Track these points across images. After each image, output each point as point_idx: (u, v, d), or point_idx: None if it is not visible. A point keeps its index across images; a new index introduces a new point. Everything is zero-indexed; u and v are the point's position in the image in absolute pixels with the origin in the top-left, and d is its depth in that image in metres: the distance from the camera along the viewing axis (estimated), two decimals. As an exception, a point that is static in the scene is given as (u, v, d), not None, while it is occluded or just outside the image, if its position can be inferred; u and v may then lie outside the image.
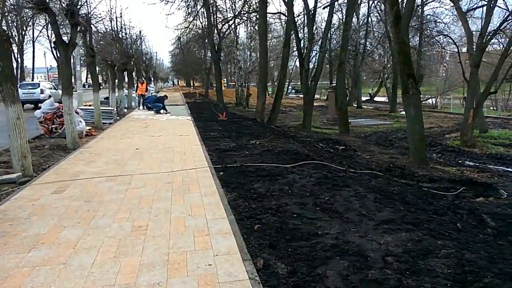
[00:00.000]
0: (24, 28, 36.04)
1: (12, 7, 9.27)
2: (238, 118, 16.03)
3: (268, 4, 16.50)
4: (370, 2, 34.09)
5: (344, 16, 15.39)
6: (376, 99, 51.96)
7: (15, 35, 36.92)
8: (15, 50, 37.80)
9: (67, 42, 8.77)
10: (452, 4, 19.31)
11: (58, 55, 8.58)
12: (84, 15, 11.07)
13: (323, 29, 21.65)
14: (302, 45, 20.28)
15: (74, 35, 8.85)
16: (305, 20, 28.23)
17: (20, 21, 34.97)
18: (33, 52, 39.34)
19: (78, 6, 8.72)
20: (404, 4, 13.77)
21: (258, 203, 4.54)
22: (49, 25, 8.59)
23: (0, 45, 5.70)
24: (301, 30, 24.73)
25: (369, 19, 36.58)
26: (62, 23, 10.60)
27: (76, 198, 4.80)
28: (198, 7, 27.60)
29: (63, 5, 8.49)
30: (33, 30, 33.07)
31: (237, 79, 37.06)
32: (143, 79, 22.60)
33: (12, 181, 5.83)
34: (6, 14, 23.67)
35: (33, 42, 37.43)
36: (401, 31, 10.45)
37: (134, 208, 4.39)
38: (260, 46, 16.43)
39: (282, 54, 17.80)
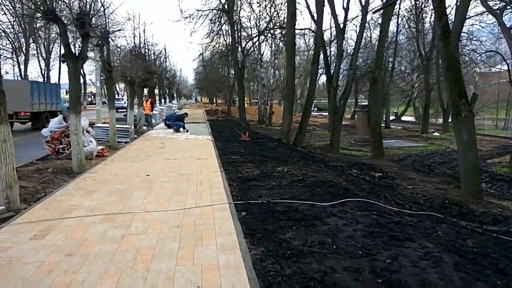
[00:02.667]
0: (51, 45, 36.46)
1: (21, 16, 8.51)
2: (261, 138, 14.92)
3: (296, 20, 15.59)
4: (399, 19, 32.84)
5: (379, 32, 14.23)
6: (402, 118, 50.03)
7: (43, 52, 37.49)
8: (43, 66, 38.32)
9: (76, 55, 7.95)
10: (492, 20, 17.89)
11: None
12: (101, 28, 10.34)
13: (351, 46, 20.53)
14: (330, 62, 19.19)
15: (84, 47, 8.01)
16: (333, 36, 27.30)
17: (47, 37, 35.45)
18: (59, 68, 39.70)
19: (90, 16, 7.89)
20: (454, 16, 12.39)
21: (293, 267, 3.32)
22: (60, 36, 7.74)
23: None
24: (328, 47, 23.64)
25: (398, 37, 35.20)
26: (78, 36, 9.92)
27: (57, 249, 3.72)
28: (221, 25, 27.17)
29: (73, 14, 7.68)
30: (60, 46, 33.31)
31: (260, 96, 36.18)
32: (147, 96, 21.29)
33: (-8, 217, 4.84)
34: (14, 23, 23.75)
35: (60, 58, 37.79)
36: (450, 45, 9.18)
37: (125, 270, 3.25)
38: (287, 63, 15.41)
39: (311, 71, 16.71)
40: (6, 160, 5.05)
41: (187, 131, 16.49)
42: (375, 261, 3.43)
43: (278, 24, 26.38)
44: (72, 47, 8.65)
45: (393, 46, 34.99)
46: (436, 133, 27.42)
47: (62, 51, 8.37)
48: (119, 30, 10.62)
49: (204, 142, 13.06)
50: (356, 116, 38.66)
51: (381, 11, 15.36)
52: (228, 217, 4.71)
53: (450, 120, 33.05)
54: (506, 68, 25.78)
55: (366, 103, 24.05)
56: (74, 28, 8.04)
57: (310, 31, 18.52)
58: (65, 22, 7.72)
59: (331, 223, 4.46)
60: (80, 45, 8.35)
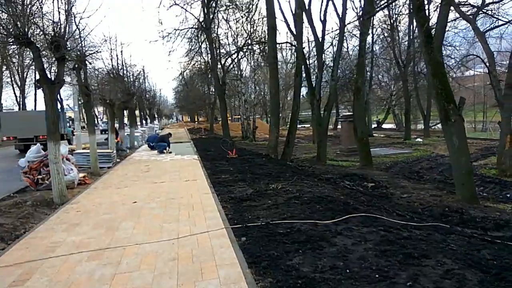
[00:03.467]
0: (26, 71, 35.53)
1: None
2: (249, 154, 14.63)
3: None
4: (374, 30, 33.45)
5: (358, 42, 14.29)
6: (383, 126, 50.66)
7: (17, 80, 36.47)
8: (18, 94, 37.23)
9: (52, 79, 7.55)
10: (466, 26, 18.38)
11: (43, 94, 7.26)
12: (77, 50, 9.96)
13: (328, 58, 20.66)
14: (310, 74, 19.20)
15: (60, 71, 7.61)
16: (311, 49, 27.54)
17: (21, 63, 34.54)
18: (35, 94, 38.64)
19: (65, 38, 7.53)
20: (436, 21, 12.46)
21: (308, 299, 3.01)
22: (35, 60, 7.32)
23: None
24: (307, 59, 23.74)
25: (373, 46, 35.85)
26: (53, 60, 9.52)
27: (39, 296, 3.30)
28: (200, 43, 27.07)
29: (47, 37, 7.31)
30: (34, 73, 32.45)
31: (243, 112, 36.04)
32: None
33: (-36, 262, 4.34)
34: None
35: (35, 84, 36.83)
36: (434, 50, 9.19)
37: (120, 317, 2.87)
38: (270, 77, 15.29)
39: (294, 84, 16.64)
40: (-22, 198, 4.58)
41: (171, 152, 16.05)
42: (395, 284, 3.15)
43: (256, 39, 26.53)
44: (47, 72, 8.24)
45: (370, 56, 35.65)
46: (419, 139, 27.71)
47: (37, 77, 7.94)
48: (96, 52, 10.26)
49: (191, 162, 12.67)
50: (340, 126, 39.02)
51: (359, 21, 15.53)
52: (227, 244, 4.36)
53: (431, 125, 33.76)
54: (480, 71, 26.48)
55: (349, 113, 24.15)
56: (49, 52, 7.66)
57: (290, 45, 18.51)
58: (39, 46, 7.34)
59: (339, 243, 4.17)
60: (56, 69, 7.96)
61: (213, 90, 43.61)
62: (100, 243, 4.64)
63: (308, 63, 22.89)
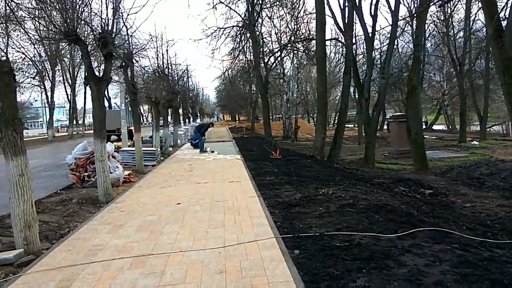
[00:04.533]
0: (77, 70, 37.16)
1: (41, 38, 8.18)
2: (293, 155, 14.12)
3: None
4: (426, 25, 31.62)
5: (415, 36, 13.31)
6: (433, 127, 48.06)
7: (68, 78, 38.25)
8: (69, 92, 39.05)
9: (99, 76, 7.49)
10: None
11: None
12: (124, 48, 9.96)
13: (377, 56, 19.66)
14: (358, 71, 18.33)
15: (107, 68, 7.55)
16: (360, 46, 26.49)
17: (72, 62, 36.15)
18: (85, 93, 40.40)
19: (113, 35, 7.45)
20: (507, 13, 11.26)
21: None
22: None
23: (0, 79, 4.30)
24: (356, 57, 22.78)
25: (425, 43, 33.93)
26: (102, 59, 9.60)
27: (78, 309, 3.03)
28: (244, 42, 26.90)
29: (95, 34, 7.25)
30: (84, 72, 33.96)
31: (284, 111, 35.52)
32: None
33: (9, 262, 4.24)
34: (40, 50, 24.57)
35: (85, 82, 38.46)
36: (505, 45, 8.22)
37: None
38: (318, 74, 14.65)
39: (343, 82, 15.92)
40: (24, 196, 4.47)
41: (213, 151, 15.89)
42: (491, 323, 2.56)
43: (300, 37, 25.90)
44: (96, 71, 8.23)
45: (421, 53, 33.78)
46: (475, 142, 25.78)
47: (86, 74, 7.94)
48: (143, 49, 10.21)
49: (234, 162, 12.39)
50: (387, 127, 37.40)
51: (410, 16, 14.55)
52: (278, 257, 3.92)
53: (487, 127, 31.40)
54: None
55: (399, 113, 22.91)
56: (96, 49, 7.62)
57: (335, 42, 17.79)
58: (87, 43, 7.31)
59: (409, 263, 3.61)
60: (103, 67, 7.92)
61: (255, 89, 43.52)
62: (143, 249, 4.38)
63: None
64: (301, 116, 57.51)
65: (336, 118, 46.33)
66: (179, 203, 6.65)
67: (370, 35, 16.62)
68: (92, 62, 7.94)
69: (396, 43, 34.68)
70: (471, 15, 26.17)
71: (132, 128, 16.29)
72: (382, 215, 5.29)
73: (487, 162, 18.37)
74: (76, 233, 5.19)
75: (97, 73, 7.62)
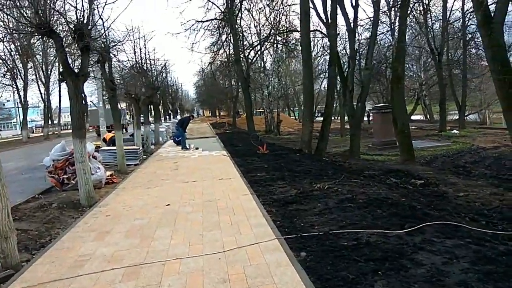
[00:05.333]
0: (50, 68, 35.73)
1: (11, 32, 7.58)
2: (280, 149, 13.84)
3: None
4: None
5: (398, 26, 13.21)
6: (412, 117, 48.76)
7: (42, 76, 36.76)
8: (42, 91, 37.58)
9: (76, 72, 6.98)
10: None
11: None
12: (101, 40, 9.40)
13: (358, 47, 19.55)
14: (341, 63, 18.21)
15: (85, 62, 7.03)
16: (341, 38, 26.38)
17: (45, 60, 34.74)
18: (59, 91, 38.83)
19: (89, 27, 6.93)
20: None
21: None
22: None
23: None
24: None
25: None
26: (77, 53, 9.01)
27: (67, 333, 2.66)
28: (224, 36, 26.41)
29: (70, 25, 6.72)
30: (58, 69, 32.57)
31: (266, 105, 35.22)
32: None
33: (-17, 280, 3.79)
34: (11, 47, 23.61)
35: (59, 81, 37.00)
36: (494, 31, 8.16)
37: None
38: (304, 66, 14.39)
39: (328, 74, 15.71)
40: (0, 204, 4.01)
41: (198, 147, 15.47)
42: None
43: (282, 29, 25.60)
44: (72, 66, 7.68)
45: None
46: (455, 131, 26.20)
47: (61, 70, 7.39)
48: (120, 41, 9.66)
49: (220, 158, 12.02)
50: (369, 119, 37.62)
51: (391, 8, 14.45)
52: (284, 261, 3.63)
53: (465, 115, 31.95)
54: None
55: (382, 105, 22.98)
56: (72, 43, 7.08)
57: (320, 33, 17.60)
58: (62, 36, 6.78)
59: (426, 262, 3.38)
60: (80, 62, 7.39)
61: (235, 83, 43.01)
62: (135, 257, 4.00)
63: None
64: (282, 110, 57.50)
65: (316, 111, 46.47)
66: (168, 204, 6.26)
67: (352, 26, 16.48)
68: (67, 57, 7.39)
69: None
70: (447, 4, 26.44)
71: (105, 135, 15.67)
72: (384, 210, 5.07)
73: (469, 150, 18.63)
74: (59, 242, 4.74)
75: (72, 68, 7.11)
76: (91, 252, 4.26)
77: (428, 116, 44.55)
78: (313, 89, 15.75)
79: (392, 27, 31.51)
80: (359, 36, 27.01)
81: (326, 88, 36.01)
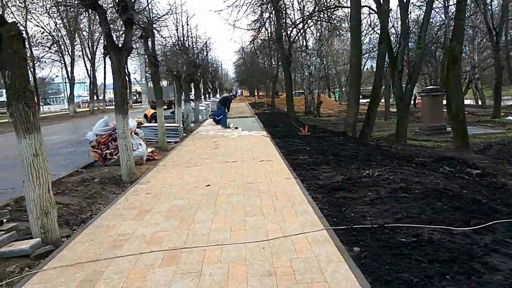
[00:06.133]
0: (95, 45, 36.71)
1: (56, 3, 7.55)
2: (322, 132, 13.34)
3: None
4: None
5: (457, 2, 12.04)
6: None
7: (88, 52, 37.90)
8: (88, 67, 38.77)
9: (120, 46, 6.85)
10: None
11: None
12: (144, 15, 9.25)
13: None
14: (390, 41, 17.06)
15: (128, 36, 6.89)
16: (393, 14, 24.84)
17: (90, 36, 35.69)
18: (104, 67, 40.04)
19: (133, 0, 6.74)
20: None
21: None
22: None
23: (7, 44, 3.70)
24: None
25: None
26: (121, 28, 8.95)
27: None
28: (266, 14, 25.67)
29: (114, -2, 6.57)
30: (104, 45, 33.41)
31: (307, 86, 34.33)
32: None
33: (25, 254, 3.76)
34: (52, 16, 24.18)
35: (104, 58, 38.02)
36: None
37: None
38: (352, 44, 13.61)
39: (378, 52, 14.82)
40: (40, 179, 3.94)
41: (237, 127, 15.26)
42: None
43: (327, 5, 24.46)
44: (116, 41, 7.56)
45: (451, 25, 31.68)
46: (510, 117, 24.30)
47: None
48: (165, 15, 9.45)
49: (260, 139, 11.73)
50: (415, 102, 35.83)
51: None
52: (335, 255, 3.28)
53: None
54: None
55: (431, 87, 21.63)
56: (115, 16, 6.94)
57: (369, 9, 16.57)
58: (105, 7, 6.63)
59: (502, 267, 2.92)
60: (123, 36, 7.26)
61: (275, 63, 42.23)
62: (175, 240, 3.82)
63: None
64: (322, 91, 56.11)
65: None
66: (208, 185, 6.07)
67: (404, 1, 15.33)
68: (111, 31, 7.27)
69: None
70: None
71: (146, 112, 15.76)
72: (445, 203, 4.57)
73: (529, 139, 17.17)
74: (99, 219, 4.67)
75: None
76: (131, 232, 4.13)
77: (479, 101, 41.73)
78: (361, 68, 14.93)
79: (446, 4, 29.49)
80: (409, 14, 25.43)
81: (370, 69, 34.51)
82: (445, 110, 15.92)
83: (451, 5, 28.12)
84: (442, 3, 28.36)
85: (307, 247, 3.48)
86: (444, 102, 24.25)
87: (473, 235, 3.59)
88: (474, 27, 33.58)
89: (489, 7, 25.68)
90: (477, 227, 3.76)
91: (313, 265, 3.12)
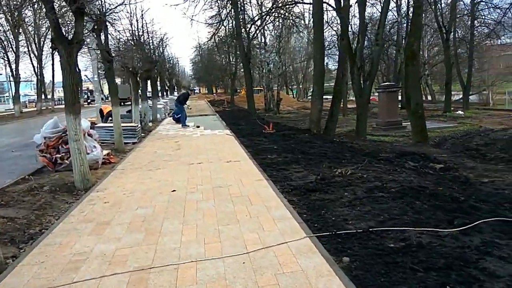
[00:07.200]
0: (42, 40, 34.25)
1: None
2: (287, 129, 13.15)
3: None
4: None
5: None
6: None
7: (34, 49, 35.32)
8: (35, 64, 36.20)
9: (70, 39, 6.17)
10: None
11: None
12: (96, 6, 8.53)
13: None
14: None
15: (79, 28, 6.20)
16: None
17: (36, 31, 33.28)
18: (53, 65, 37.45)
19: (83, -13, 6.07)
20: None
21: None
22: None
23: None
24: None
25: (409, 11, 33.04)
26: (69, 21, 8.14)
27: None
28: (224, 10, 25.20)
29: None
30: (51, 39, 31.15)
31: (266, 83, 34.21)
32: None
33: (-42, 284, 3.13)
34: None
35: (52, 54, 35.57)
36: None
37: None
38: (315, 40, 13.52)
39: (339, 48, 14.85)
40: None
41: (199, 126, 14.72)
42: None
43: (285, 1, 24.39)
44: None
45: (405, 22, 32.88)
46: (460, 112, 25.58)
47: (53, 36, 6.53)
48: (118, 6, 8.71)
49: (224, 138, 11.31)
50: (379, 97, 36.77)
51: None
52: (325, 268, 2.99)
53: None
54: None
55: (388, 83, 22.26)
56: (64, 4, 6.24)
57: (328, 5, 16.59)
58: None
59: (501, 273, 2.76)
60: (74, 28, 6.55)
61: (233, 60, 41.76)
62: (140, 258, 3.35)
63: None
64: (280, 88, 56.39)
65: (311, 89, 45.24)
66: (174, 190, 5.60)
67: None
68: (60, 24, 6.54)
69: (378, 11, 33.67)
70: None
71: (102, 107, 14.73)
72: (424, 201, 4.44)
73: (477, 132, 18.02)
74: (50, 235, 4.08)
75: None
76: (88, 250, 3.60)
77: (429, 96, 43.77)
78: (324, 65, 14.89)
79: (399, 2, 30.50)
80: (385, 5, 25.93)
81: (326, 66, 34.97)
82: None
83: (403, 4, 29.23)
84: (394, 1, 29.40)
85: (292, 260, 3.16)
86: (400, 98, 25.03)
87: (461, 237, 3.45)
88: (425, 25, 35.10)
89: (439, 5, 26.78)
90: (463, 228, 3.62)
91: (302, 281, 2.81)
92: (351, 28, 26.32)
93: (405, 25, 30.43)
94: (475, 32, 29.15)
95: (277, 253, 3.29)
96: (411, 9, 29.93)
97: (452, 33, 27.93)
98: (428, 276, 2.77)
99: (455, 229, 3.60)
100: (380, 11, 19.78)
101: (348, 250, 3.29)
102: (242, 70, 38.40)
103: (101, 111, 14.12)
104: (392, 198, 4.62)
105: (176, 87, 54.50)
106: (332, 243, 3.46)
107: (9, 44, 31.09)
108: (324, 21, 31.20)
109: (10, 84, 40.87)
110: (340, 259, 3.14)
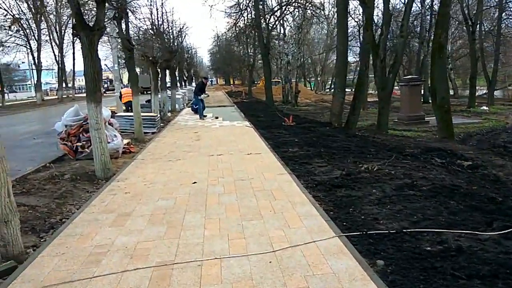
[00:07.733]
0: (63, 29, 34.63)
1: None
2: (308, 122, 12.91)
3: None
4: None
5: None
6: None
7: (55, 37, 35.78)
8: (56, 53, 36.68)
9: (91, 26, 6.07)
10: None
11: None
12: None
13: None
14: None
15: (100, 15, 6.11)
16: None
17: (57, 20, 33.66)
18: (73, 53, 37.91)
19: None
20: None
21: None
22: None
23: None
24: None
25: (433, 1, 31.99)
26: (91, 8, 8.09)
27: None
28: (245, 1, 24.88)
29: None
30: (72, 28, 31.38)
31: (285, 75, 33.83)
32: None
33: (-22, 273, 3.09)
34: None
35: (73, 43, 36.01)
36: None
37: None
38: (339, 30, 13.14)
39: (363, 39, 14.45)
40: (-4, 182, 3.24)
41: (217, 117, 14.59)
42: None
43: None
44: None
45: (429, 13, 31.90)
46: (484, 107, 24.73)
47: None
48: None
49: (244, 129, 11.15)
50: (401, 91, 36.00)
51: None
52: (358, 271, 2.80)
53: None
54: None
55: (410, 77, 21.63)
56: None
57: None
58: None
59: (554, 285, 2.51)
60: (95, 16, 6.46)
61: (252, 51, 41.43)
62: (163, 253, 3.24)
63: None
64: (298, 80, 55.76)
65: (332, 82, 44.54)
66: (195, 182, 5.48)
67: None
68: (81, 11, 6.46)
69: (403, 2, 32.71)
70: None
71: (122, 91, 14.74)
72: (459, 201, 4.19)
73: (504, 129, 17.39)
74: (71, 225, 4.01)
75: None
76: (109, 242, 3.51)
77: (452, 91, 42.59)
78: (347, 56, 14.50)
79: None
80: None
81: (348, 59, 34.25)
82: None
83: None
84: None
85: (322, 261, 2.99)
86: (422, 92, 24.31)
87: (503, 241, 3.21)
88: (449, 17, 33.99)
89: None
90: (505, 231, 3.38)
91: (334, 285, 2.63)
92: (375, 19, 25.70)
93: (428, 17, 29.64)
94: (502, 25, 28.07)
95: (305, 253, 3.12)
96: (435, 1, 29.11)
97: (478, 25, 26.97)
98: (471, 284, 2.56)
99: (496, 233, 3.35)
100: (404, 2, 19.23)
101: (382, 253, 3.09)
102: (260, 61, 38.12)
103: (120, 96, 14.23)
104: (424, 197, 4.39)
105: (194, 78, 54.53)
106: (363, 244, 3.27)
107: (31, 32, 31.55)
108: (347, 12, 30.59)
109: (32, 72, 41.61)
110: (373, 262, 2.95)
